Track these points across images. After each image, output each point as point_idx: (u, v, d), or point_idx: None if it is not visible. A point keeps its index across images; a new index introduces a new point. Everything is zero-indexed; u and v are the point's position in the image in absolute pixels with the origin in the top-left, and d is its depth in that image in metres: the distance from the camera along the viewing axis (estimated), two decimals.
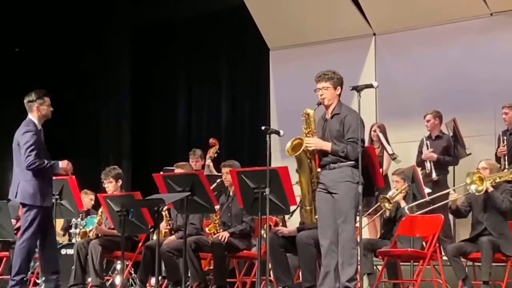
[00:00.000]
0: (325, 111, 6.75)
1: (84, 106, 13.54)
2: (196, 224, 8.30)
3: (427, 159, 9.31)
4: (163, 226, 8.47)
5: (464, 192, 7.74)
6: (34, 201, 7.21)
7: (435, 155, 9.27)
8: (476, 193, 7.46)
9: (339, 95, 6.72)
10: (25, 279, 7.34)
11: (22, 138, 7.20)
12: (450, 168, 9.47)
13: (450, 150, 9.35)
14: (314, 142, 6.58)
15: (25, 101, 7.39)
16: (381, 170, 8.63)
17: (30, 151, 7.14)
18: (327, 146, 6.58)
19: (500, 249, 7.43)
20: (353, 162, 6.50)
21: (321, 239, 6.62)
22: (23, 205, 7.29)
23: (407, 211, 8.00)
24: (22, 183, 7.23)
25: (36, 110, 7.36)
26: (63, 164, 7.36)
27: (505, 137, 9.09)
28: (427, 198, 8.40)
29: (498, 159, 9.03)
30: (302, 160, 6.63)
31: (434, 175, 9.20)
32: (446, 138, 9.45)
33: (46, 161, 7.22)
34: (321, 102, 6.65)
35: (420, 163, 9.39)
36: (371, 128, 9.46)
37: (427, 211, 8.20)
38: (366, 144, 7.98)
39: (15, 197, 7.29)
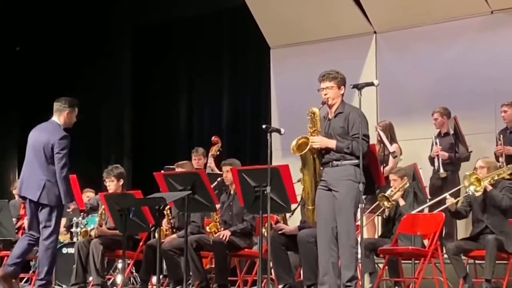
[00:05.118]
0: (328, 111, 6.75)
1: (86, 105, 13.51)
2: (197, 222, 8.30)
3: (440, 156, 9.27)
4: (165, 224, 8.46)
5: (463, 193, 7.74)
6: (59, 202, 7.30)
7: (446, 154, 9.24)
8: (476, 194, 7.46)
9: (343, 94, 6.73)
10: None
11: (60, 143, 7.29)
12: None
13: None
14: (319, 141, 6.58)
15: (56, 103, 7.54)
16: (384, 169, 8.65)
17: (65, 157, 7.28)
18: (331, 143, 6.58)
19: (503, 247, 7.42)
20: (356, 160, 6.49)
21: (320, 237, 6.61)
22: (46, 205, 7.28)
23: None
24: (47, 184, 7.26)
25: (65, 116, 7.50)
26: (73, 204, 7.43)
27: (501, 135, 9.09)
28: (429, 203, 8.38)
29: (497, 158, 9.03)
30: (307, 159, 6.63)
31: (441, 171, 9.19)
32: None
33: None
34: (325, 102, 6.66)
35: (431, 160, 9.40)
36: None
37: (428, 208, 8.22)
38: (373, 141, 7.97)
39: (38, 198, 7.26)
